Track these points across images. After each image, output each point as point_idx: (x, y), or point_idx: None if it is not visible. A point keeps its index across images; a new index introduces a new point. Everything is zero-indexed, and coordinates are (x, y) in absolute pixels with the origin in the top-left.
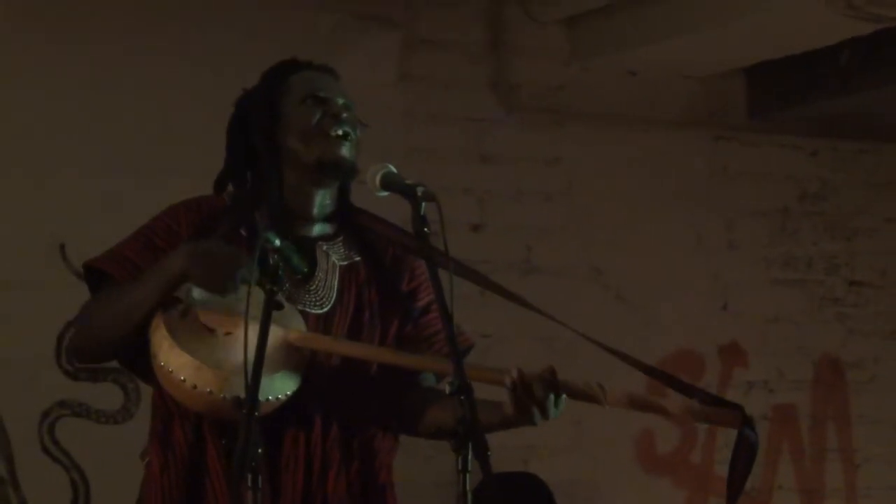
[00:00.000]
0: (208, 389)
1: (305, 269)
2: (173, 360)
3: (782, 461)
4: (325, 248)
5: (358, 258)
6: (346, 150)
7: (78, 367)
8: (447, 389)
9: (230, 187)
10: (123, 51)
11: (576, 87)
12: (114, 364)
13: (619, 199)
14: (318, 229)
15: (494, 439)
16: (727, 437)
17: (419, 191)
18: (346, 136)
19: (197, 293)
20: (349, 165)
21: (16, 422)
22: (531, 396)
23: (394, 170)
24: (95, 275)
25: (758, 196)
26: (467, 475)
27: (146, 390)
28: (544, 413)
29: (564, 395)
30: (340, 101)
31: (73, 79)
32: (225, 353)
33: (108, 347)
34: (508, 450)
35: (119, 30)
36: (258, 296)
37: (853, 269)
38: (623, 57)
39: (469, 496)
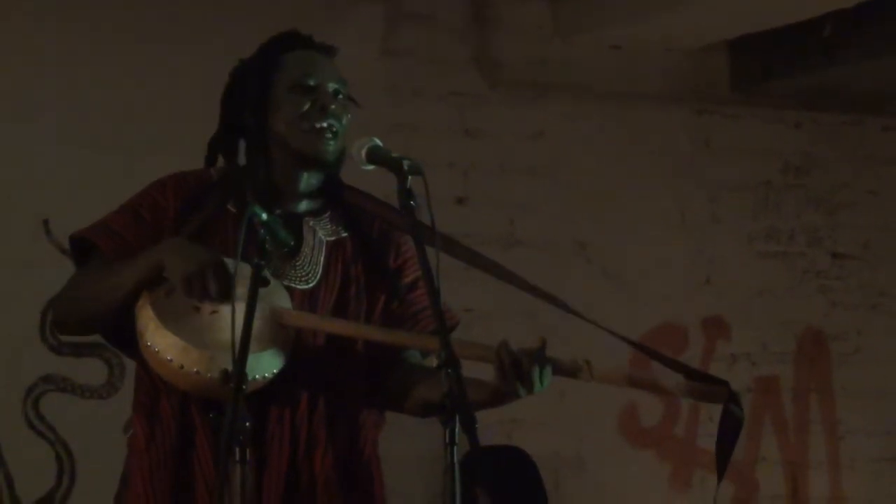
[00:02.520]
0: (195, 369)
1: (292, 243)
2: (159, 340)
3: (765, 433)
4: (311, 223)
5: (345, 234)
6: (329, 146)
7: (62, 341)
8: (434, 363)
9: (220, 159)
10: (108, 27)
11: (559, 62)
12: (98, 339)
13: (603, 174)
14: (304, 205)
15: (478, 413)
16: (711, 411)
17: (405, 164)
18: (331, 128)
19: None
20: (329, 161)
21: (0, 397)
22: (517, 368)
23: (379, 143)
24: (81, 246)
25: (741, 169)
26: (454, 448)
27: (130, 365)
28: (529, 386)
29: (549, 369)
30: (332, 87)
31: (56, 55)
32: (211, 332)
33: (90, 322)
34: (492, 423)
35: (103, 6)
36: (244, 272)
37: (836, 242)
38: (606, 31)
39: (456, 468)
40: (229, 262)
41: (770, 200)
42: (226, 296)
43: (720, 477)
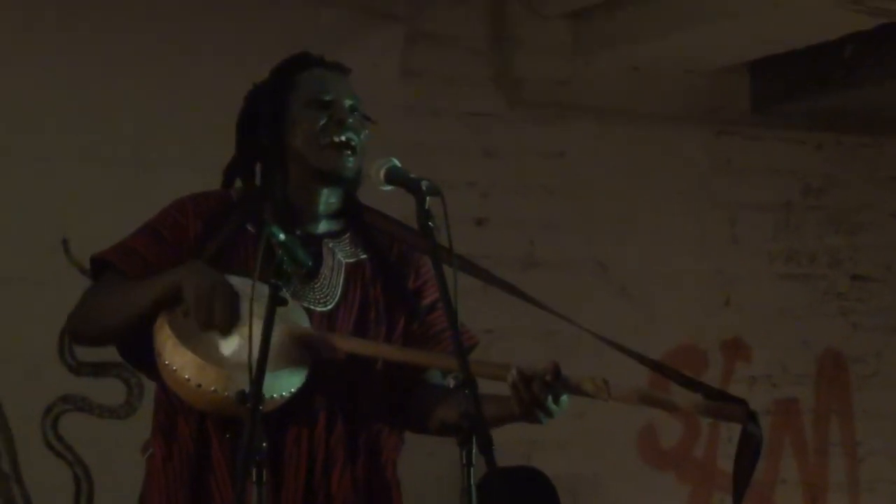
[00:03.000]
0: (213, 388)
1: (310, 263)
2: (177, 358)
3: (785, 455)
4: (330, 245)
5: (364, 256)
6: (348, 162)
7: (81, 361)
8: (452, 384)
9: (238, 182)
10: (127, 45)
11: (579, 82)
12: (117, 359)
13: (623, 194)
14: (323, 226)
15: (496, 433)
16: (730, 432)
17: (424, 185)
18: (349, 142)
19: None
20: (351, 177)
21: (19, 417)
22: (532, 395)
23: (398, 164)
24: (102, 267)
25: (761, 190)
26: (472, 469)
27: (149, 385)
28: (547, 413)
29: (565, 396)
30: (347, 103)
31: (77, 72)
32: (228, 351)
33: (104, 335)
34: (511, 444)
35: (122, 24)
36: (262, 293)
37: (856, 264)
38: (626, 52)
39: (473, 490)
40: (246, 280)
41: (790, 222)
42: (231, 325)
43: (738, 500)
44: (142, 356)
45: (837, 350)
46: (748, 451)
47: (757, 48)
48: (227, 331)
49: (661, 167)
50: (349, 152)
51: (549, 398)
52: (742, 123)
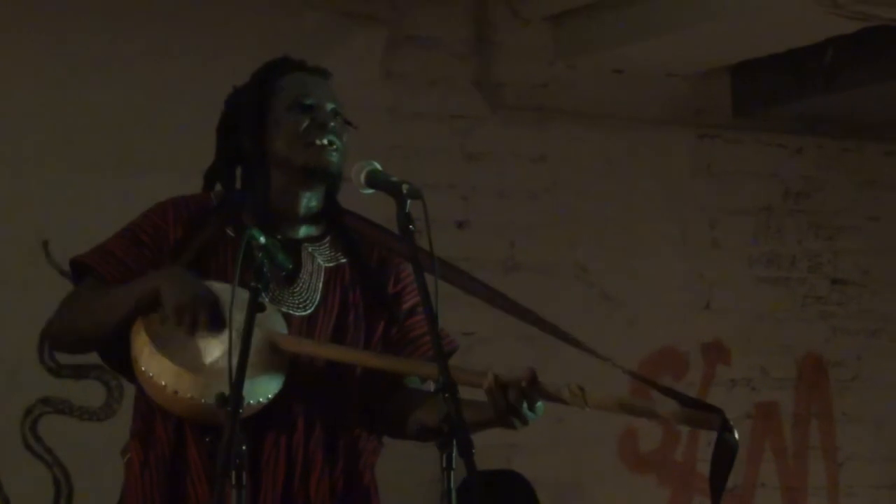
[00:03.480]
0: (189, 395)
1: (290, 266)
2: (154, 365)
3: (765, 459)
4: (310, 249)
5: (343, 260)
6: (332, 157)
7: (61, 363)
8: (432, 387)
9: (218, 186)
10: (108, 47)
11: (561, 85)
12: (97, 361)
13: (604, 197)
14: (303, 231)
15: (477, 438)
16: (710, 436)
17: (404, 188)
18: (331, 144)
19: None
20: (335, 172)
21: None
22: (507, 402)
23: (379, 167)
24: (82, 271)
25: (742, 194)
26: (451, 473)
27: (129, 388)
28: (523, 420)
29: (540, 403)
30: (329, 106)
31: (56, 75)
32: (206, 358)
33: (83, 343)
34: (491, 448)
35: (103, 26)
36: (241, 297)
37: (836, 268)
38: (608, 55)
39: (453, 494)
40: (226, 286)
41: (771, 225)
42: (214, 330)
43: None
44: (121, 359)
45: (817, 354)
46: (723, 460)
47: (738, 51)
48: (207, 337)
49: (642, 170)
50: (333, 149)
51: (525, 405)
52: (723, 127)
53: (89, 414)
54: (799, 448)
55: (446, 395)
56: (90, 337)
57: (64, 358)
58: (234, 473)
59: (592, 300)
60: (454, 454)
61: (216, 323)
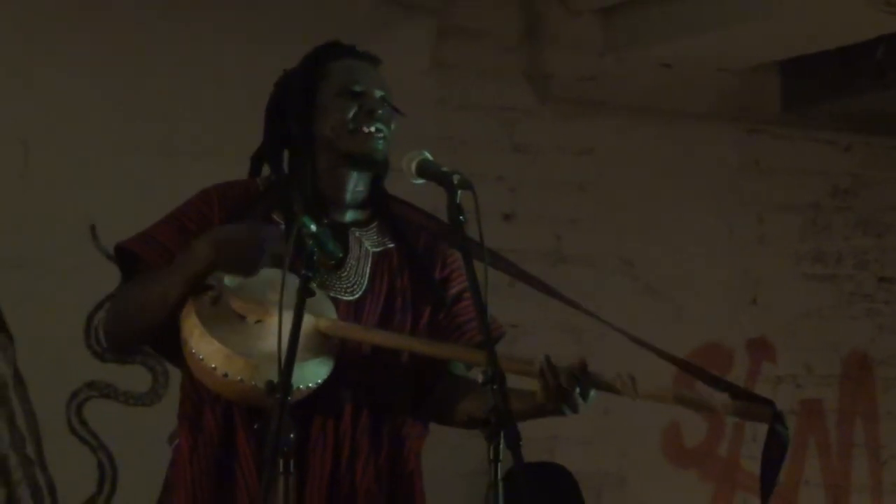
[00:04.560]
0: (239, 378)
1: (340, 254)
2: (204, 347)
3: (809, 456)
4: (357, 234)
5: (391, 245)
6: (378, 145)
7: (107, 348)
8: (480, 379)
9: (266, 170)
10: (157, 30)
11: (609, 78)
12: (140, 349)
13: (651, 191)
14: (350, 215)
15: (521, 429)
16: (755, 431)
17: (455, 178)
18: (378, 131)
19: (228, 280)
20: (380, 160)
21: (44, 402)
22: (559, 386)
23: (430, 157)
24: (126, 257)
25: (789, 190)
26: (499, 465)
27: (174, 373)
28: (574, 407)
29: (593, 390)
30: (377, 93)
31: (106, 60)
32: (256, 341)
33: (139, 335)
34: (534, 440)
35: (154, 12)
36: (289, 284)
37: (883, 266)
38: (657, 49)
39: (500, 486)
40: (276, 272)
41: (818, 222)
42: (260, 259)
43: (765, 499)
44: (168, 344)
45: (863, 352)
46: (775, 451)
47: (788, 48)
48: (258, 321)
49: (689, 165)
50: (380, 137)
51: (577, 391)
52: (772, 123)
53: (135, 399)
54: (843, 446)
55: (494, 386)
56: (145, 328)
57: (117, 352)
58: (281, 460)
59: (638, 294)
60: (501, 446)
61: (262, 249)
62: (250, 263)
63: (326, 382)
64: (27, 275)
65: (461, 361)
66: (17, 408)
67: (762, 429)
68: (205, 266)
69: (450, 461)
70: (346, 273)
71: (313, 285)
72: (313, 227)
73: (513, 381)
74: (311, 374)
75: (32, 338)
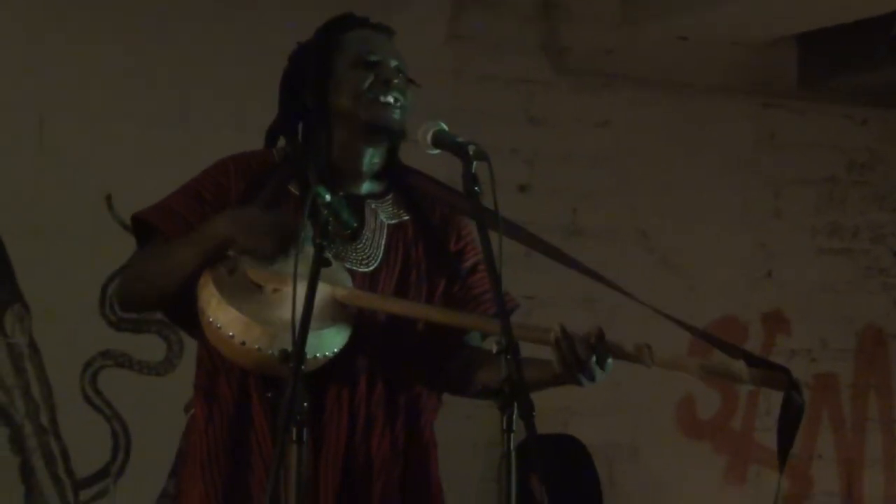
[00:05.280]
0: (256, 346)
1: (355, 224)
2: (221, 316)
3: (822, 430)
4: (373, 205)
5: (406, 217)
6: (395, 115)
7: (121, 317)
8: (494, 349)
9: (281, 141)
10: (176, 4)
11: (626, 51)
12: (158, 315)
13: (667, 164)
14: (366, 187)
15: (534, 400)
16: (768, 404)
17: (471, 149)
18: (395, 101)
19: None
20: (398, 129)
21: (58, 371)
22: (575, 355)
23: (445, 128)
24: (143, 227)
25: (805, 164)
26: (512, 435)
27: (189, 343)
28: (590, 376)
29: (609, 359)
30: (393, 63)
31: (123, 30)
32: (273, 310)
33: (152, 301)
34: (547, 412)
35: None
36: (306, 253)
37: None
38: (674, 21)
39: (513, 456)
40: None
41: (834, 196)
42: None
43: (782, 464)
44: (184, 313)
45: (878, 326)
46: (791, 419)
47: (805, 21)
48: (275, 289)
49: (705, 138)
50: (397, 107)
51: (593, 360)
52: (788, 97)
53: (149, 368)
54: (857, 420)
55: (508, 356)
56: (160, 294)
57: (128, 313)
58: (294, 430)
59: (653, 267)
60: (515, 416)
61: (290, 237)
62: (270, 253)
63: (342, 352)
64: (43, 244)
65: (477, 330)
66: (31, 377)
67: (775, 402)
68: (223, 243)
69: (463, 432)
70: (361, 245)
71: (329, 255)
72: (328, 197)
73: (529, 350)
74: (328, 342)
75: (48, 307)
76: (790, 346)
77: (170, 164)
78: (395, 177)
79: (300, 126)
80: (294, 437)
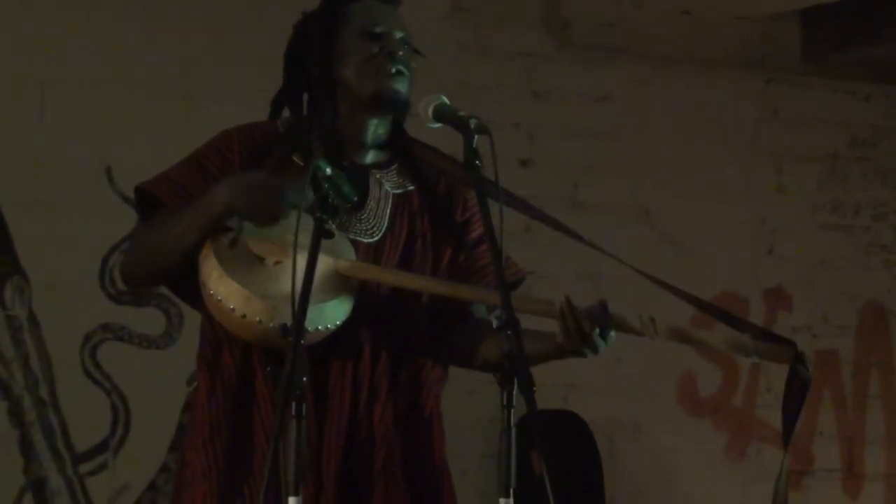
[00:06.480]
0: (258, 318)
1: (355, 198)
2: (222, 288)
3: (824, 407)
4: (377, 175)
5: (411, 187)
6: (400, 85)
7: (121, 290)
8: (494, 324)
9: (286, 112)
10: None
11: (628, 25)
12: (158, 288)
13: (669, 139)
14: (371, 157)
15: (535, 376)
16: (769, 381)
17: (472, 123)
18: (400, 73)
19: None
20: (403, 100)
21: (58, 344)
22: (578, 326)
23: (447, 101)
24: (146, 198)
25: (808, 140)
26: (512, 411)
27: (189, 316)
28: (593, 348)
29: (613, 331)
30: (398, 34)
31: (124, 1)
32: (274, 283)
33: (157, 275)
34: (548, 387)
35: None
36: (309, 225)
37: None
38: None
39: (513, 431)
40: (296, 214)
41: (836, 172)
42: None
43: (787, 439)
44: (186, 286)
45: (879, 302)
46: (796, 392)
47: None
48: (276, 262)
49: (708, 113)
50: (401, 78)
51: (597, 332)
52: (791, 72)
53: (149, 342)
54: (858, 397)
55: (508, 332)
56: (162, 268)
57: (132, 288)
58: (294, 403)
59: (654, 242)
60: (515, 392)
61: (284, 201)
62: (271, 212)
63: (345, 325)
64: (43, 216)
65: (481, 303)
66: (31, 349)
67: (776, 379)
68: (223, 210)
69: (465, 407)
70: (365, 215)
71: (332, 227)
72: (328, 170)
73: (533, 322)
74: (330, 315)
75: (47, 280)
76: (791, 323)
77: (170, 136)
78: (400, 147)
79: (305, 96)
80: (294, 412)
